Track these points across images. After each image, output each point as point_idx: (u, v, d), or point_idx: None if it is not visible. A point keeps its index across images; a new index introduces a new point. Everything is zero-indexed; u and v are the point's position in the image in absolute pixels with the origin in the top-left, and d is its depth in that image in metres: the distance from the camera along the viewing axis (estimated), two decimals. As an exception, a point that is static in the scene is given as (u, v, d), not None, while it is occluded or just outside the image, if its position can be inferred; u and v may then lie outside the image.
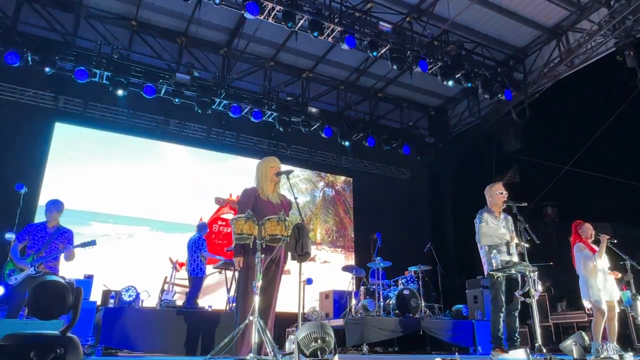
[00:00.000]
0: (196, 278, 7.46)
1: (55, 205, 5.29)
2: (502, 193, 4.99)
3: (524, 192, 9.99)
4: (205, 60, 10.02)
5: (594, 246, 5.51)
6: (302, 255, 3.64)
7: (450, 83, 9.36)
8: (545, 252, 7.92)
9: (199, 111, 9.44)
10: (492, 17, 9.28)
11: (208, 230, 8.00)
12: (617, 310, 5.26)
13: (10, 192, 6.94)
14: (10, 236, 6.58)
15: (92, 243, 5.25)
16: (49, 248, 5.08)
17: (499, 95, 9.68)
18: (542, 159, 10.15)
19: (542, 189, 10.36)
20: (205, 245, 7.68)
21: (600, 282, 5.28)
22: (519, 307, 4.69)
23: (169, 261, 7.63)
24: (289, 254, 3.96)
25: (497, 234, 4.77)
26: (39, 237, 5.12)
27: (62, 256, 5.16)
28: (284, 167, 4.23)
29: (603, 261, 5.45)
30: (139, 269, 9.06)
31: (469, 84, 9.45)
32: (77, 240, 5.31)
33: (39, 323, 1.89)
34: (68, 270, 5.51)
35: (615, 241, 5.61)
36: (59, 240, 5.16)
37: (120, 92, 8.67)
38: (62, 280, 1.61)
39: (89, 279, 6.95)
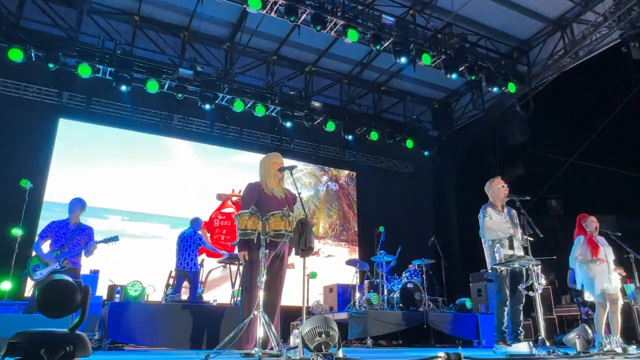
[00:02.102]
0: (191, 272, 7.40)
1: (80, 204, 5.53)
2: (503, 186, 4.99)
3: (528, 185, 10.01)
4: (208, 55, 10.01)
5: (597, 239, 5.50)
6: (305, 250, 3.66)
7: (454, 76, 9.31)
8: (550, 245, 7.92)
9: (203, 106, 9.45)
10: (495, 9, 9.21)
11: (202, 225, 7.94)
12: (620, 302, 5.26)
13: (16, 188, 7.00)
14: (17, 231, 6.67)
15: (115, 239, 5.45)
16: (72, 244, 5.30)
17: (503, 88, 9.63)
18: (546, 152, 10.13)
19: (547, 181, 10.35)
20: (202, 239, 7.66)
21: (602, 275, 5.27)
22: (523, 300, 4.70)
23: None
24: (293, 249, 3.98)
25: (501, 228, 4.77)
26: (62, 234, 5.32)
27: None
28: (288, 162, 4.26)
29: (608, 254, 5.44)
30: (144, 263, 9.14)
31: (473, 77, 9.41)
32: (98, 237, 5.51)
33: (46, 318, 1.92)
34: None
35: (619, 234, 5.60)
36: (80, 236, 5.40)
37: (123, 87, 8.68)
38: (70, 279, 1.64)
39: (94, 274, 7.02)
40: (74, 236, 5.34)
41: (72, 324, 1.57)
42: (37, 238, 5.35)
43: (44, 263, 5.17)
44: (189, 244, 7.45)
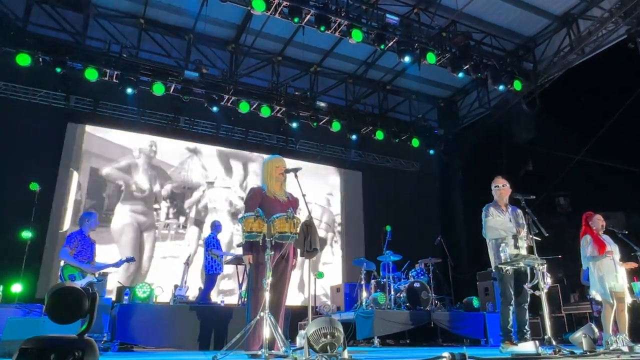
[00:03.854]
0: (207, 275, 7.56)
1: (96, 218, 5.81)
2: (502, 186, 4.99)
3: (535, 182, 9.96)
4: (213, 56, 10.06)
5: (603, 237, 5.47)
6: (311, 251, 3.69)
7: (460, 75, 9.30)
8: (558, 243, 7.89)
9: (209, 108, 9.51)
10: (500, 6, 9.17)
11: (221, 229, 8.07)
12: (627, 301, 5.24)
13: (25, 192, 7.08)
14: (27, 234, 6.75)
15: (132, 259, 6.14)
16: (95, 256, 5.62)
17: (509, 86, 9.60)
18: (553, 149, 10.06)
19: (554, 179, 10.29)
20: (216, 243, 7.75)
21: (609, 273, 5.25)
22: (528, 299, 4.70)
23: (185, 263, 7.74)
24: (298, 250, 4.01)
25: (504, 227, 4.77)
26: (86, 246, 5.53)
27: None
28: (294, 162, 4.27)
29: (614, 253, 5.42)
30: (152, 265, 9.22)
31: (478, 75, 9.38)
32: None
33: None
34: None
35: (626, 232, 5.57)
36: (95, 249, 5.71)
37: (129, 90, 8.76)
38: (78, 286, 1.69)
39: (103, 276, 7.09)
40: (92, 249, 5.60)
41: (81, 330, 1.62)
42: (65, 248, 5.44)
43: (81, 272, 5.35)
44: (205, 248, 7.72)
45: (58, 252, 8.54)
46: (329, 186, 11.97)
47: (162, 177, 10.12)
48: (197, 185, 10.38)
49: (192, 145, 10.59)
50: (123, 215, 9.47)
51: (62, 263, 5.49)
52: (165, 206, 9.94)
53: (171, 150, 10.38)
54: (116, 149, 9.80)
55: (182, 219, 9.99)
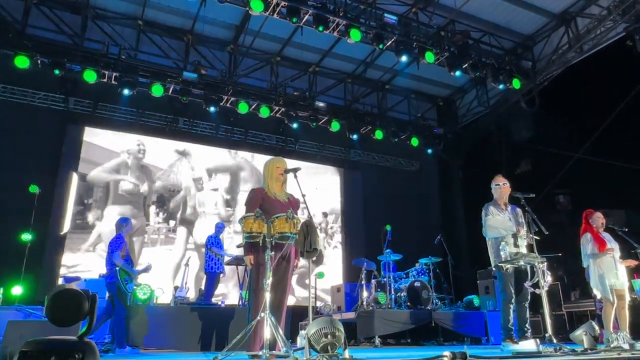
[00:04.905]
0: (208, 274, 7.57)
1: (132, 223, 5.87)
2: (502, 185, 4.99)
3: (535, 181, 9.96)
4: (212, 57, 10.06)
5: (604, 235, 5.47)
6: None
7: (458, 73, 9.30)
8: (558, 241, 7.88)
9: (207, 109, 9.51)
10: (498, 4, 9.18)
11: (223, 230, 8.09)
12: (627, 298, 5.24)
13: (25, 194, 7.08)
14: (27, 236, 6.75)
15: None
16: None
17: (508, 84, 9.60)
18: (552, 147, 10.07)
19: (554, 177, 10.29)
20: (217, 242, 7.76)
21: (610, 271, 5.25)
22: (529, 298, 4.70)
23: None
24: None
25: (504, 225, 4.77)
26: (127, 251, 5.58)
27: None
28: (293, 163, 4.27)
29: (614, 250, 5.42)
30: (152, 267, 9.18)
31: (477, 74, 9.38)
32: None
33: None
34: (85, 269, 5.67)
35: (626, 229, 5.57)
36: None
37: (128, 92, 8.75)
38: (78, 288, 1.69)
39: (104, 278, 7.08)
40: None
41: (81, 332, 1.62)
42: (117, 252, 5.41)
43: (130, 277, 5.42)
44: (206, 247, 7.77)
45: (59, 254, 8.60)
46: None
47: (151, 180, 10.01)
48: (187, 188, 10.30)
49: (181, 147, 10.49)
50: (113, 220, 9.38)
51: (106, 265, 5.51)
52: (154, 210, 9.87)
53: (160, 152, 10.26)
54: (103, 152, 9.70)
55: (171, 223, 9.93)
